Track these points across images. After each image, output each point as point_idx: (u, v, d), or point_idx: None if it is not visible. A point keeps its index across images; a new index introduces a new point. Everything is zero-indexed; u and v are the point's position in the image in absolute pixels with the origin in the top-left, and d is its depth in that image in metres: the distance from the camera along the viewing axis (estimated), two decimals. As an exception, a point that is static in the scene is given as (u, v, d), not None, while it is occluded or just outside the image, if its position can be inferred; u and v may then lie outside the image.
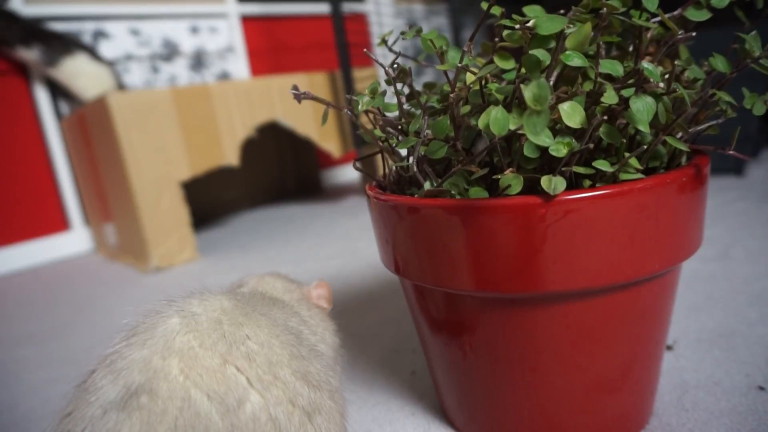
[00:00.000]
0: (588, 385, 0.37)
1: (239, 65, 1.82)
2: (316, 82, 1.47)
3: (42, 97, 1.42)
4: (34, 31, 1.33)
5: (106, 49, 1.53)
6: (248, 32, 1.85)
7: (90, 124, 1.23)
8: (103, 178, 1.27)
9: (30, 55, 1.33)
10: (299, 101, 0.38)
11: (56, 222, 1.48)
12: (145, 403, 0.27)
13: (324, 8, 2.05)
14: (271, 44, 1.92)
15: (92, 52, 1.39)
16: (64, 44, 1.35)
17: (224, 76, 1.80)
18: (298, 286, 0.48)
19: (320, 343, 0.41)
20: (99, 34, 1.52)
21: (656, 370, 0.41)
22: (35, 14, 1.40)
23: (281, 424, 0.30)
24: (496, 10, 0.34)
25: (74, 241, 1.49)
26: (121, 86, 1.43)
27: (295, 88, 0.37)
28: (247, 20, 1.85)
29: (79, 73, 1.35)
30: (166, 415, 0.27)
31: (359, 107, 0.38)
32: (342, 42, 1.38)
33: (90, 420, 0.27)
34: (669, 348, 0.53)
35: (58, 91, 1.45)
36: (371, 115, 0.43)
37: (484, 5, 0.34)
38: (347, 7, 2.09)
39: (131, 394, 0.27)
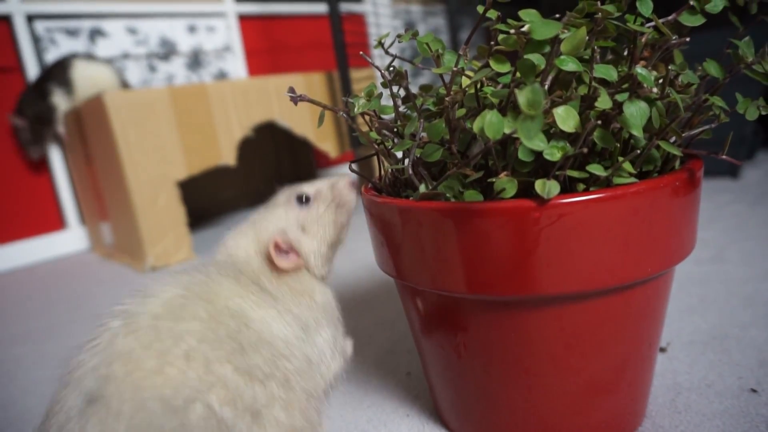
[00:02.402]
0: (582, 387, 0.37)
1: (237, 65, 1.82)
2: (314, 83, 1.47)
3: (38, 95, 1.42)
4: (42, 81, 1.33)
5: (103, 47, 1.53)
6: (246, 32, 1.85)
7: (86, 122, 1.23)
8: (99, 177, 1.27)
9: (59, 98, 1.33)
10: (296, 103, 0.38)
11: (52, 220, 1.47)
12: (99, 409, 0.28)
13: (322, 8, 2.05)
14: (268, 44, 1.92)
15: (86, 56, 1.40)
16: (60, 64, 1.34)
17: (221, 76, 1.80)
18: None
19: (285, 315, 0.39)
20: (96, 33, 1.52)
21: (649, 372, 0.41)
22: (31, 12, 1.40)
23: (229, 424, 0.31)
24: (492, 14, 0.35)
25: (70, 239, 1.49)
26: (124, 84, 1.43)
27: (292, 90, 0.37)
28: (244, 20, 1.85)
29: (88, 79, 1.35)
30: (120, 417, 0.28)
31: (355, 110, 0.38)
32: (340, 42, 1.38)
33: (58, 430, 0.29)
34: (662, 350, 0.53)
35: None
36: (367, 118, 0.43)
37: (480, 8, 0.34)
38: (345, 8, 2.09)
39: (88, 401, 0.29)
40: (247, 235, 0.44)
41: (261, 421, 0.32)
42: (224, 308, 0.35)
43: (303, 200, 0.45)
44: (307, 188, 0.46)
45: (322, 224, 0.44)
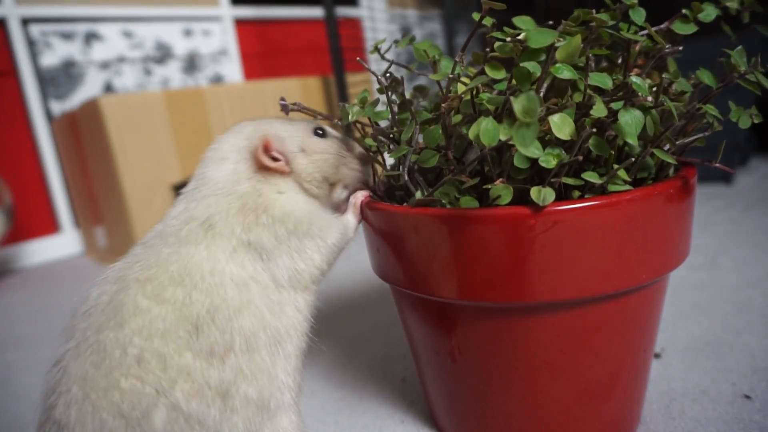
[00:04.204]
0: (577, 393, 0.37)
1: (232, 68, 1.82)
2: (310, 87, 1.47)
3: (33, 98, 1.41)
4: None
5: (98, 51, 1.53)
6: (242, 35, 1.85)
7: (81, 126, 1.22)
8: (93, 181, 1.27)
9: None
10: (287, 113, 0.37)
11: (46, 224, 1.47)
12: None
13: (318, 12, 2.05)
14: (264, 48, 1.92)
15: None
16: None
17: (217, 80, 1.79)
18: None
19: (239, 250, 0.35)
20: (91, 36, 1.52)
21: (644, 378, 0.41)
22: (27, 15, 1.39)
23: (201, 416, 0.31)
24: (488, 21, 0.35)
25: (64, 243, 1.48)
26: None
27: (283, 100, 0.37)
28: (240, 23, 1.85)
29: None
30: None
31: (349, 117, 0.38)
32: (336, 46, 1.39)
33: None
34: (657, 356, 0.53)
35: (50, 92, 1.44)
36: (360, 125, 0.43)
37: (476, 15, 0.34)
38: (341, 12, 2.10)
39: (60, 429, 0.30)
40: (242, 130, 0.40)
41: (233, 404, 0.32)
42: (167, 279, 0.33)
43: (318, 132, 0.42)
44: (329, 129, 0.43)
45: (323, 156, 0.41)
